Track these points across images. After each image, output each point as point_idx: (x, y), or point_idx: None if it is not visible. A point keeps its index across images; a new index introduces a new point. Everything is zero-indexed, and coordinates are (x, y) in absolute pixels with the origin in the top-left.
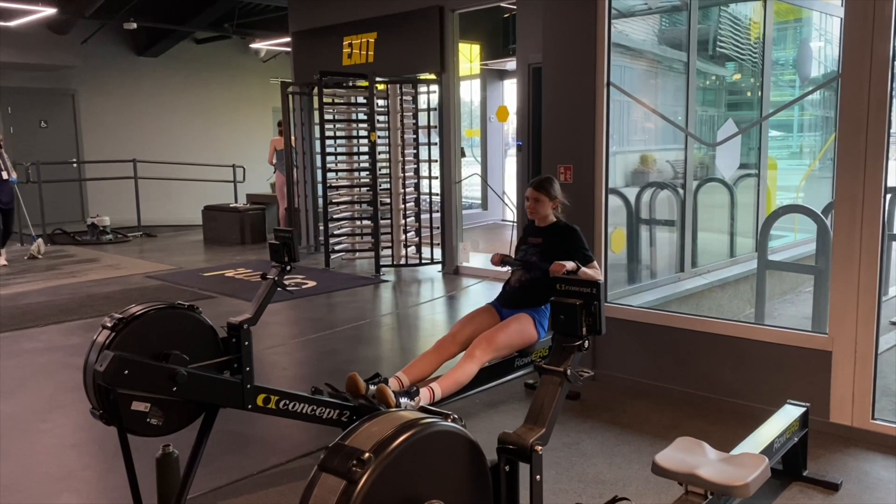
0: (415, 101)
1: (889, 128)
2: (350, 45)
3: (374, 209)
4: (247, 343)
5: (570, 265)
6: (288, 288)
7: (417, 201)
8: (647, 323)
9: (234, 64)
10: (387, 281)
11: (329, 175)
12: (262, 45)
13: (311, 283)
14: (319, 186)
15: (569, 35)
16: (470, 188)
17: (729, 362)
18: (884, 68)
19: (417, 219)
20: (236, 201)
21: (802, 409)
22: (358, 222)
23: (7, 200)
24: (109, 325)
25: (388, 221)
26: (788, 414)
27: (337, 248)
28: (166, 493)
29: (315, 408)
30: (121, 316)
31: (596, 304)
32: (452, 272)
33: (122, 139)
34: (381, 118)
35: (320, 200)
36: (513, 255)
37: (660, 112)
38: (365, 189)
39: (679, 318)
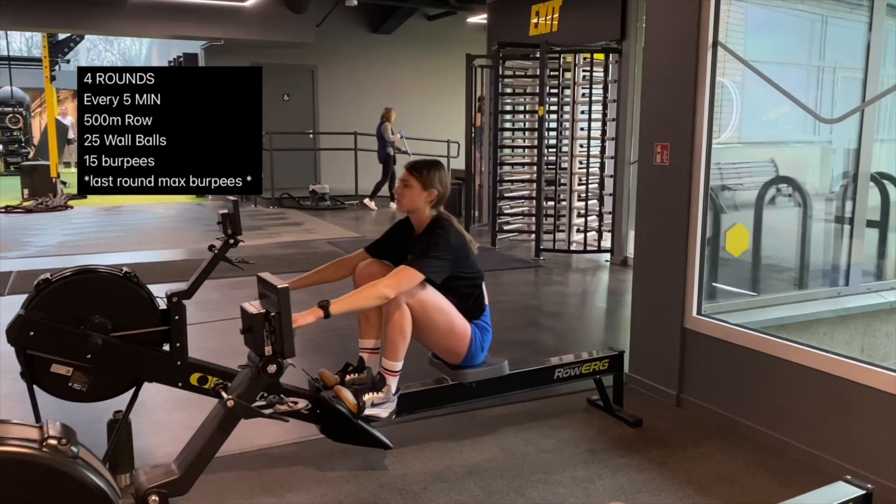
0: (604, 71)
1: None
2: (537, 13)
3: (539, 189)
4: (178, 317)
5: (308, 319)
6: (235, 261)
7: (599, 182)
8: (744, 346)
9: (462, 40)
10: (542, 266)
11: (502, 152)
12: (475, 20)
13: None
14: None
15: None
16: None
17: (836, 410)
18: None
19: (597, 201)
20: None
21: (860, 493)
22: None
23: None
24: (35, 284)
25: (563, 203)
26: (835, 495)
27: (505, 227)
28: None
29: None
30: (48, 276)
31: (275, 315)
32: (620, 263)
33: (352, 112)
34: (566, 92)
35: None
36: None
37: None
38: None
39: (782, 345)
